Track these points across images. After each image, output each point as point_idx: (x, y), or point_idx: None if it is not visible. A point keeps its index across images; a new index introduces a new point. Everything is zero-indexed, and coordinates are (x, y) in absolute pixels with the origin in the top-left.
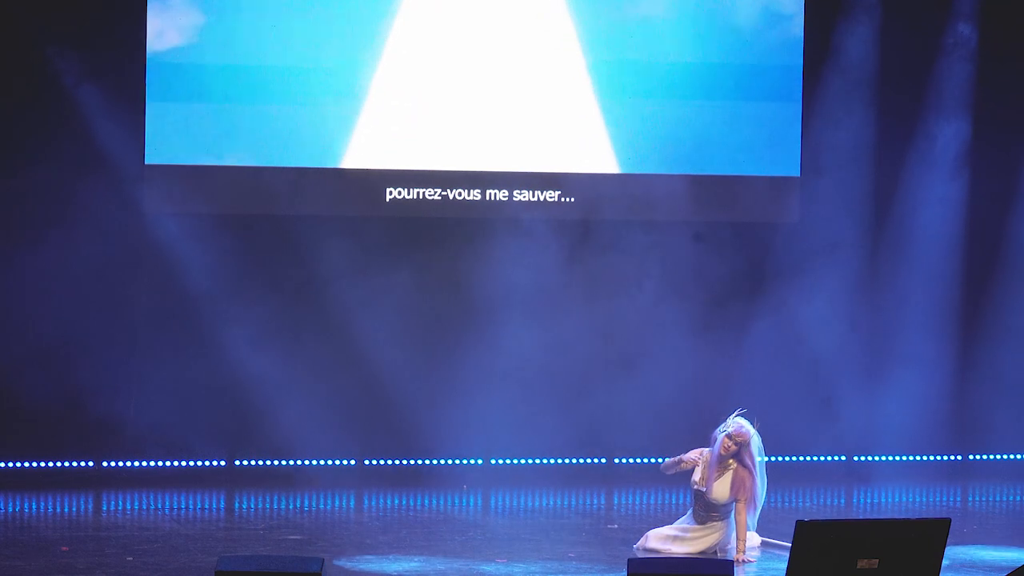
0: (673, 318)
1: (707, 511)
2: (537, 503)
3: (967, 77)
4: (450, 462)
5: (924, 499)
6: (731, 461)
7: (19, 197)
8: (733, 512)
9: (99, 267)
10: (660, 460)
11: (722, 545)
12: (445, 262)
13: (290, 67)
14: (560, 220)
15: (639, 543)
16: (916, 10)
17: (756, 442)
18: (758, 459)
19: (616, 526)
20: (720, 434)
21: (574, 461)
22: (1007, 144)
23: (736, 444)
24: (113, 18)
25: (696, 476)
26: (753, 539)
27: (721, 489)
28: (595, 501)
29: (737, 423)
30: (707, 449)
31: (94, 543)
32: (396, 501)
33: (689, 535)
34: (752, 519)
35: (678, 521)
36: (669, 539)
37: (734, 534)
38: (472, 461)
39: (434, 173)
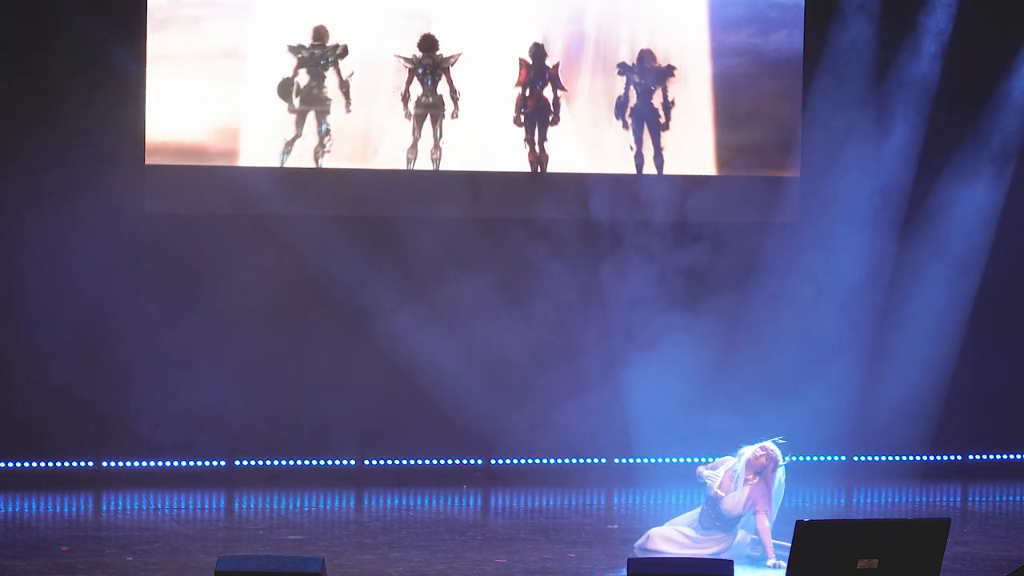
0: (673, 318)
1: (714, 519)
2: (537, 503)
3: (967, 76)
4: (450, 462)
5: (924, 499)
6: (754, 476)
7: (18, 198)
8: (736, 527)
9: (98, 267)
10: (660, 460)
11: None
12: (439, 262)
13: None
14: (560, 220)
15: (640, 541)
16: (915, 8)
17: (782, 473)
18: (777, 481)
19: (616, 526)
20: (752, 448)
21: (574, 461)
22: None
23: (768, 458)
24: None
25: (716, 482)
26: (744, 536)
27: (735, 502)
28: (595, 501)
29: (772, 445)
30: (732, 458)
31: (94, 543)
32: (396, 501)
33: (691, 542)
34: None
35: (682, 518)
36: (671, 542)
37: (732, 547)
38: (472, 461)
39: (433, 173)
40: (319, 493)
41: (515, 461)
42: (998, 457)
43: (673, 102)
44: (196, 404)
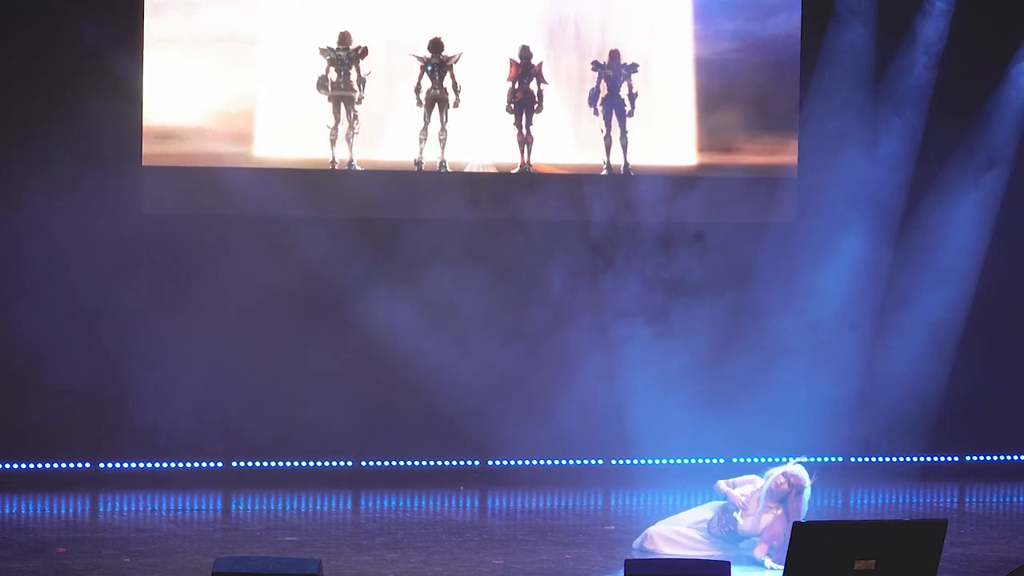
0: (670, 318)
1: (724, 527)
2: (534, 504)
3: (963, 81)
4: (447, 463)
5: (921, 500)
6: (777, 507)
7: (15, 199)
8: (742, 541)
9: (96, 268)
10: (657, 461)
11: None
12: (436, 264)
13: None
14: (558, 220)
15: (638, 541)
16: (911, 9)
17: (807, 495)
18: (804, 509)
19: (613, 527)
20: (776, 472)
21: (571, 462)
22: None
23: (790, 485)
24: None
25: (741, 503)
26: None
27: (752, 524)
28: (592, 502)
29: (797, 469)
30: (759, 478)
31: (91, 544)
32: (393, 502)
33: (691, 542)
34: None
35: (683, 517)
36: (671, 543)
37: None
38: (469, 462)
39: (432, 173)
40: (316, 494)
41: (512, 462)
42: (995, 458)
43: (636, 93)
44: (194, 405)
